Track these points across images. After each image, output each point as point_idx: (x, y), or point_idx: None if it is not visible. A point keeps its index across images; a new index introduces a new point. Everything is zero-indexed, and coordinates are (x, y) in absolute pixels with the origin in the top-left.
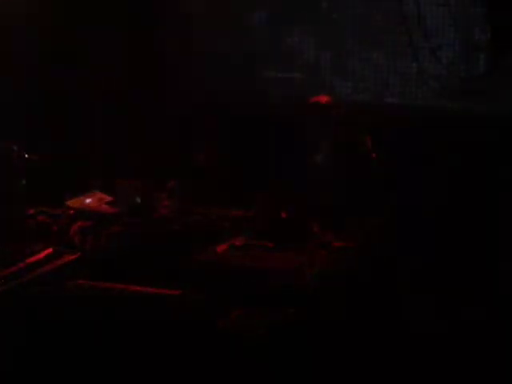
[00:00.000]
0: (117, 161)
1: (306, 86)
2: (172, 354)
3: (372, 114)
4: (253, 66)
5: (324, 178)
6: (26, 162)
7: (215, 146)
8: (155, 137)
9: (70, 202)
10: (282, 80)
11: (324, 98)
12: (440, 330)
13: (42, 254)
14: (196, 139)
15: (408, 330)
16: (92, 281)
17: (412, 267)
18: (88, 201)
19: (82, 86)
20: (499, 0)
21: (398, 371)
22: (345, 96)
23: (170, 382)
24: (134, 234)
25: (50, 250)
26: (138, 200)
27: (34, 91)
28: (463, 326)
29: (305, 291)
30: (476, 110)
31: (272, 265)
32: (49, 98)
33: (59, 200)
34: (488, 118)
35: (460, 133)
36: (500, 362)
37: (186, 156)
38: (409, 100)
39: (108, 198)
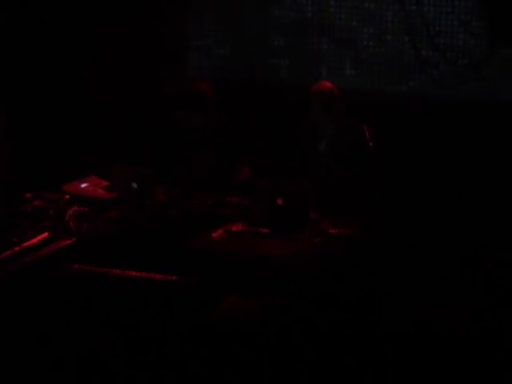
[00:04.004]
0: (113, 147)
1: (305, 73)
2: (167, 340)
3: (369, 101)
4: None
5: (324, 165)
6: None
7: (216, 133)
8: (152, 123)
9: (66, 187)
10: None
11: (326, 85)
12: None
13: (38, 239)
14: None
15: (402, 317)
16: (87, 266)
17: (407, 257)
18: (84, 185)
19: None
20: None
21: (396, 356)
22: (343, 83)
23: (164, 368)
24: (129, 219)
25: (45, 235)
26: (135, 185)
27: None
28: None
29: (300, 278)
30: (473, 97)
31: (268, 251)
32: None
33: (55, 185)
34: (486, 106)
35: (457, 121)
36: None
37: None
38: (406, 88)
39: (104, 183)
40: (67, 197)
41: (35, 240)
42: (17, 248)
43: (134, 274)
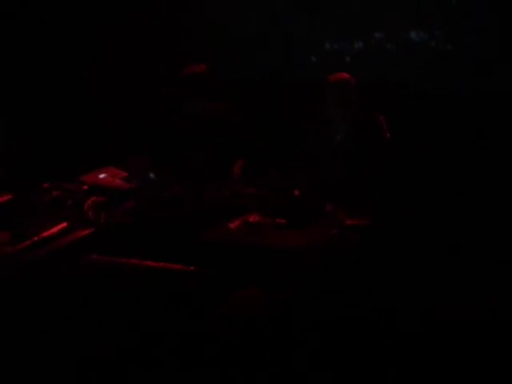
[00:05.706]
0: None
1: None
2: (182, 328)
3: (384, 94)
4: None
5: (340, 157)
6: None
7: (232, 125)
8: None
9: (85, 177)
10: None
11: (343, 76)
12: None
13: (56, 229)
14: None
15: (414, 310)
16: (105, 256)
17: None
18: (102, 176)
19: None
20: None
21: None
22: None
23: (178, 357)
24: (147, 210)
25: (64, 225)
26: (152, 176)
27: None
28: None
29: (315, 269)
30: (489, 91)
31: (284, 243)
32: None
33: (74, 175)
34: (501, 99)
35: (472, 113)
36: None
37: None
38: (422, 81)
39: (122, 174)
40: (86, 187)
41: (54, 230)
42: (35, 238)
43: (152, 264)
